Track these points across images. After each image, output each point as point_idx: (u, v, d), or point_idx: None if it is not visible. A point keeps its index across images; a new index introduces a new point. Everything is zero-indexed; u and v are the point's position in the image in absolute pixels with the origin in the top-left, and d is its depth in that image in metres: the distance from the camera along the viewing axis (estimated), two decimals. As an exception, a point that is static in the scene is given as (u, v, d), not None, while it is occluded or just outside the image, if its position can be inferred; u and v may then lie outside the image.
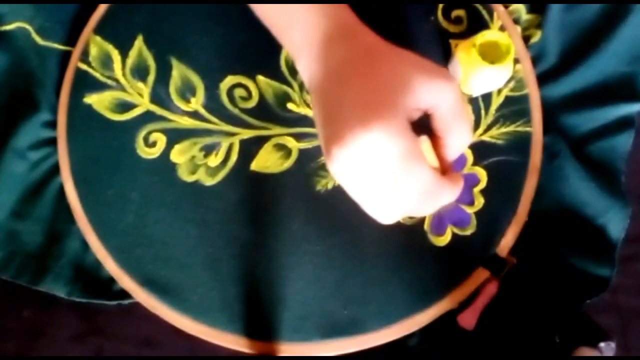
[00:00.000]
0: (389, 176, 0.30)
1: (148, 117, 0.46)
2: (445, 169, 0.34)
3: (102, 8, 0.49)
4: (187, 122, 0.46)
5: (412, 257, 0.43)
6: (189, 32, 0.48)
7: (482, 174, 0.45)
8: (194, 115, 0.46)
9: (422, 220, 0.44)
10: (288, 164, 0.45)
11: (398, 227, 0.44)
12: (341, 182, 0.31)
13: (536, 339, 0.43)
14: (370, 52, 0.32)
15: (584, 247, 0.45)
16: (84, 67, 0.47)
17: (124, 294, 0.45)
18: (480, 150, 0.45)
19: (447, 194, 0.33)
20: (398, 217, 0.33)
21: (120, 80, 0.47)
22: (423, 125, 0.33)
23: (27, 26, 0.49)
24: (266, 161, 0.46)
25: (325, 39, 0.33)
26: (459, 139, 0.33)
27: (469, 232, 0.44)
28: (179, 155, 0.46)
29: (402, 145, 0.29)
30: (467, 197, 0.45)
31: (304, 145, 0.46)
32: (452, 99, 0.32)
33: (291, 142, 0.46)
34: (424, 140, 0.32)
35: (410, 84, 0.30)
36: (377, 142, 0.29)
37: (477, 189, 0.45)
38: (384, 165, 0.29)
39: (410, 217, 0.44)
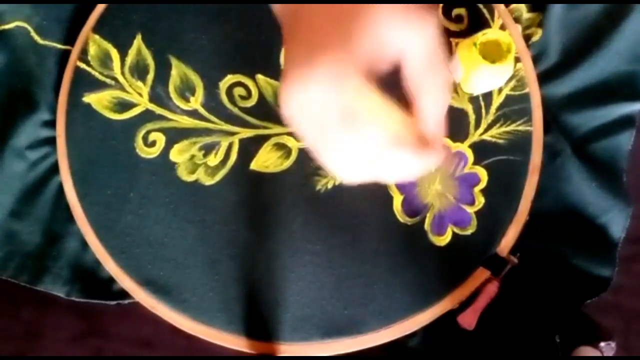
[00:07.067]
0: (332, 128, 0.25)
1: (147, 116, 0.46)
2: (424, 141, 0.27)
3: (101, 7, 0.48)
4: (186, 122, 0.46)
5: (412, 257, 0.43)
6: (188, 30, 0.47)
7: (482, 173, 0.45)
8: (194, 114, 0.46)
9: (423, 219, 0.44)
10: (288, 163, 0.45)
11: (398, 227, 0.44)
12: (292, 124, 0.26)
13: (536, 339, 0.43)
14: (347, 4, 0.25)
15: (585, 247, 0.45)
16: (83, 66, 0.47)
17: (123, 294, 0.44)
18: (480, 150, 0.45)
19: (417, 160, 0.26)
20: (356, 177, 0.27)
21: (119, 79, 0.47)
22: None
23: (26, 25, 0.49)
24: (266, 160, 0.45)
25: None
26: (432, 98, 0.26)
27: (469, 231, 0.44)
28: (178, 154, 0.46)
29: (348, 93, 0.24)
30: (467, 197, 0.44)
31: (304, 144, 0.45)
32: (424, 43, 0.25)
33: (291, 142, 0.46)
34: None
35: (373, 21, 0.24)
36: (319, 85, 0.24)
37: (477, 189, 0.45)
38: (326, 114, 0.25)
39: (411, 217, 0.44)
